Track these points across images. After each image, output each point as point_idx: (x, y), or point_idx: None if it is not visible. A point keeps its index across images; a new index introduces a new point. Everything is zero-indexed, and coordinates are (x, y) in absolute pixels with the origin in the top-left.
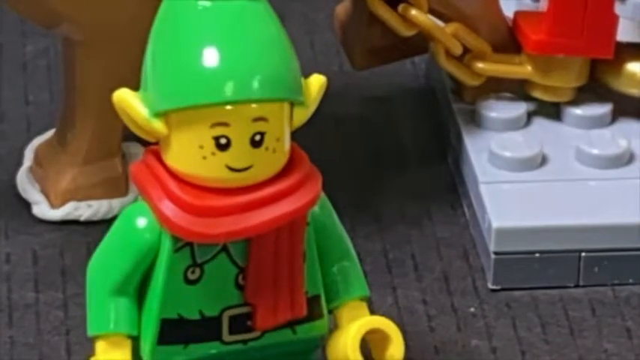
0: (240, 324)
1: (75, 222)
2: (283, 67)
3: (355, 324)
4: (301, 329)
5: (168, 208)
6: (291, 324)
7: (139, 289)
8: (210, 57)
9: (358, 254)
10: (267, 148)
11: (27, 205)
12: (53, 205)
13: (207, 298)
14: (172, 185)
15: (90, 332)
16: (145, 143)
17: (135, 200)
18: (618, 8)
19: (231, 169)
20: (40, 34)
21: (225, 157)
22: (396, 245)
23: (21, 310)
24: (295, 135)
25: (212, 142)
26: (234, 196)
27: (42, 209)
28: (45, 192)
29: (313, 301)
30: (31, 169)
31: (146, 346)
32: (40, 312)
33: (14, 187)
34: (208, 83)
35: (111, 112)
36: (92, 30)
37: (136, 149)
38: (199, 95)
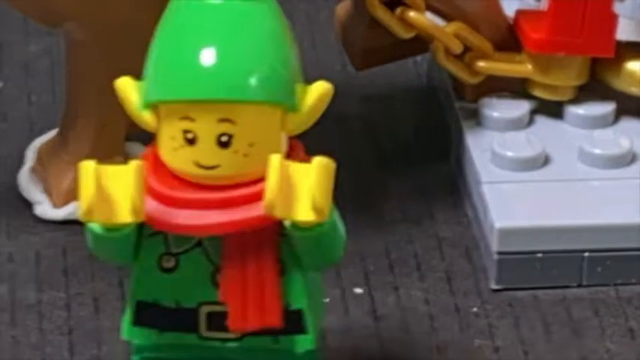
0: (218, 322)
1: (77, 222)
2: (262, 69)
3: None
4: (283, 341)
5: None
6: (273, 333)
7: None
8: (185, 54)
9: (360, 254)
10: (236, 151)
11: (29, 205)
12: (55, 205)
13: (183, 289)
14: (148, 172)
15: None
16: (147, 144)
17: None
18: (618, 7)
19: (199, 166)
20: (42, 33)
21: (192, 152)
22: (398, 245)
23: (23, 310)
24: (297, 134)
25: (181, 136)
26: (198, 191)
27: (44, 209)
28: (47, 192)
29: (294, 315)
30: (33, 169)
31: (124, 324)
32: (43, 312)
33: (16, 187)
34: (179, 80)
35: (113, 112)
36: (95, 29)
37: (139, 149)
38: (169, 91)
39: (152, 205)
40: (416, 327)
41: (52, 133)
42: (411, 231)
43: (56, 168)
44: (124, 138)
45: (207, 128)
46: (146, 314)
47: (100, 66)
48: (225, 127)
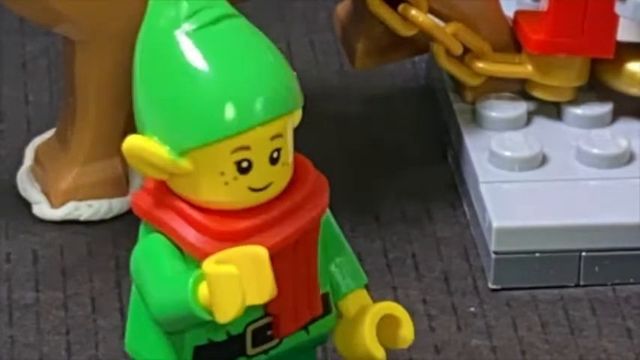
0: (261, 335)
1: (75, 222)
2: (286, 78)
3: (368, 314)
4: (313, 328)
5: (194, 237)
6: (305, 325)
7: None
8: (222, 86)
9: (358, 254)
10: (283, 164)
11: (27, 205)
12: (53, 205)
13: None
14: (196, 215)
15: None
16: None
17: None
18: (618, 8)
19: (253, 190)
20: (40, 33)
21: (246, 179)
22: (396, 245)
23: (21, 310)
24: (296, 135)
25: (234, 167)
26: (254, 216)
27: (42, 209)
28: (45, 192)
29: (323, 299)
30: (31, 169)
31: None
32: (41, 312)
33: (14, 186)
34: (230, 113)
35: (111, 111)
36: (92, 29)
37: None
38: (224, 127)
39: (214, 245)
40: (414, 326)
41: (50, 133)
42: (409, 231)
43: (54, 168)
44: (122, 138)
45: (262, 150)
46: (202, 356)
47: (97, 66)
48: (277, 143)
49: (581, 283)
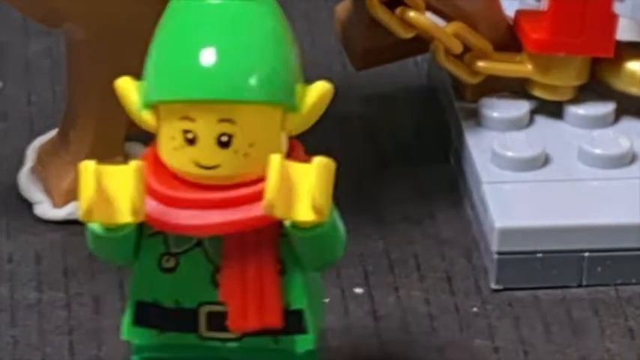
0: (218, 322)
1: (77, 222)
2: (258, 69)
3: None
4: (283, 341)
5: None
6: (273, 333)
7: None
8: (185, 54)
9: (360, 254)
10: (236, 151)
11: (29, 205)
12: (55, 205)
13: (183, 289)
14: (150, 169)
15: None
16: (147, 144)
17: None
18: (618, 7)
19: (199, 166)
20: (43, 33)
21: (192, 152)
22: (398, 245)
23: (23, 310)
24: (297, 134)
25: (181, 136)
26: (199, 191)
27: (44, 209)
28: (47, 192)
29: (294, 315)
30: (33, 169)
31: (124, 324)
32: (43, 312)
33: (16, 187)
34: (179, 80)
35: (113, 112)
36: (95, 29)
37: (139, 149)
38: (169, 90)
39: (152, 206)
40: (416, 327)
41: (52, 133)
42: (411, 231)
43: (56, 168)
44: (124, 138)
45: (207, 128)
46: (146, 314)
47: (100, 66)
48: (226, 127)
49: (584, 283)
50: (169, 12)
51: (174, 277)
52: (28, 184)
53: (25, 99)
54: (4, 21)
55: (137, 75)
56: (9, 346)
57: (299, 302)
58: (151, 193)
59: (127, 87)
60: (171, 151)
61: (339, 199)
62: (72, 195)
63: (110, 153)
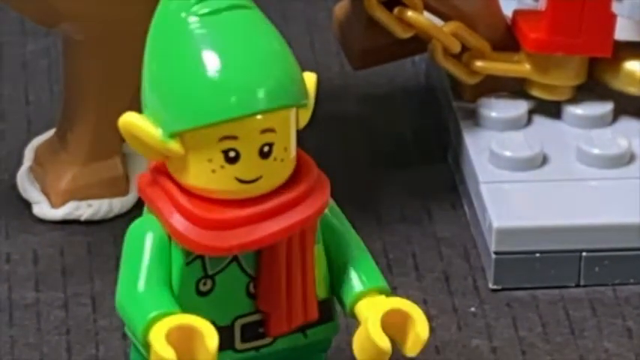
0: (252, 331)
1: (75, 222)
2: (286, 73)
3: (374, 307)
4: (312, 332)
5: (178, 222)
6: (302, 328)
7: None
8: (214, 72)
9: None
10: (275, 159)
11: (27, 205)
12: (53, 205)
13: (219, 308)
14: (183, 199)
15: (143, 325)
16: None
17: (142, 214)
18: (616, 7)
19: (241, 181)
20: (41, 33)
21: (234, 169)
22: (396, 245)
23: (21, 310)
24: (297, 134)
25: (221, 156)
26: (244, 207)
27: (42, 209)
28: (45, 192)
29: (323, 305)
30: (31, 169)
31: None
32: (41, 312)
33: (14, 186)
34: (216, 100)
35: (111, 111)
36: (92, 29)
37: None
38: (210, 113)
39: (199, 233)
40: None
41: (50, 133)
42: (410, 231)
43: (54, 168)
44: (122, 138)
45: (251, 142)
46: None
47: (97, 66)
48: (268, 137)
49: (582, 283)
50: (161, 32)
51: (210, 299)
52: (26, 184)
53: (22, 99)
54: (2, 21)
55: (135, 76)
56: (7, 345)
57: (326, 292)
58: (198, 222)
59: (138, 122)
60: (209, 174)
61: (337, 199)
62: (70, 195)
63: (108, 153)
